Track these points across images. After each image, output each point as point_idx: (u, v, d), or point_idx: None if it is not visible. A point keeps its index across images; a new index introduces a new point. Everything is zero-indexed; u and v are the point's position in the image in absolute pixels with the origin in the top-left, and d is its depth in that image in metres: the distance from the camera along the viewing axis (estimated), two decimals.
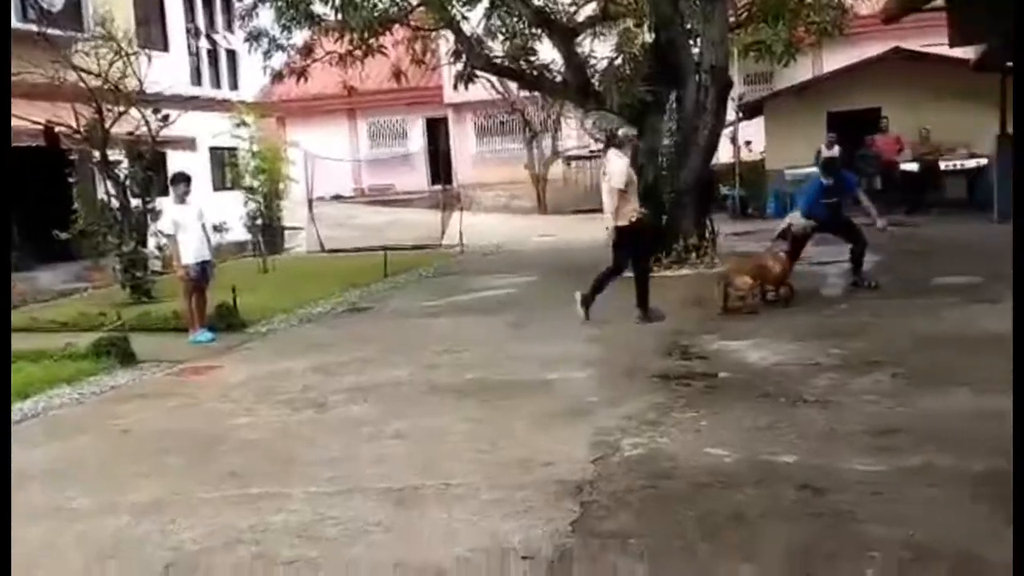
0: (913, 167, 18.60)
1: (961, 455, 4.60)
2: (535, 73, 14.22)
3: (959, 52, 19.55)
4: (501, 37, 14.58)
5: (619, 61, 13.28)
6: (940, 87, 18.83)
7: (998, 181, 16.05)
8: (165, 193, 12.52)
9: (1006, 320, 7.82)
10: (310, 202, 21.25)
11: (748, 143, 23.35)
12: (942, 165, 18.63)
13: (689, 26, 13.05)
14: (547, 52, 14.49)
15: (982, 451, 4.62)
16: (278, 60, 15.55)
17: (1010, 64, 16.86)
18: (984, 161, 18.42)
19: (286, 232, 21.87)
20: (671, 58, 12.48)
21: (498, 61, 14.37)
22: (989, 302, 8.53)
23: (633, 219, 8.88)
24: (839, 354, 6.95)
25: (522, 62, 14.25)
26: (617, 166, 8.97)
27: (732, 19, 14.38)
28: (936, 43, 18.62)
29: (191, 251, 9.81)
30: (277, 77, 16.14)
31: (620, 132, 9.67)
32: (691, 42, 12.84)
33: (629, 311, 9.53)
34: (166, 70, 17.33)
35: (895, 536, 3.72)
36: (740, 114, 21.86)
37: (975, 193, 18.88)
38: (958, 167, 18.69)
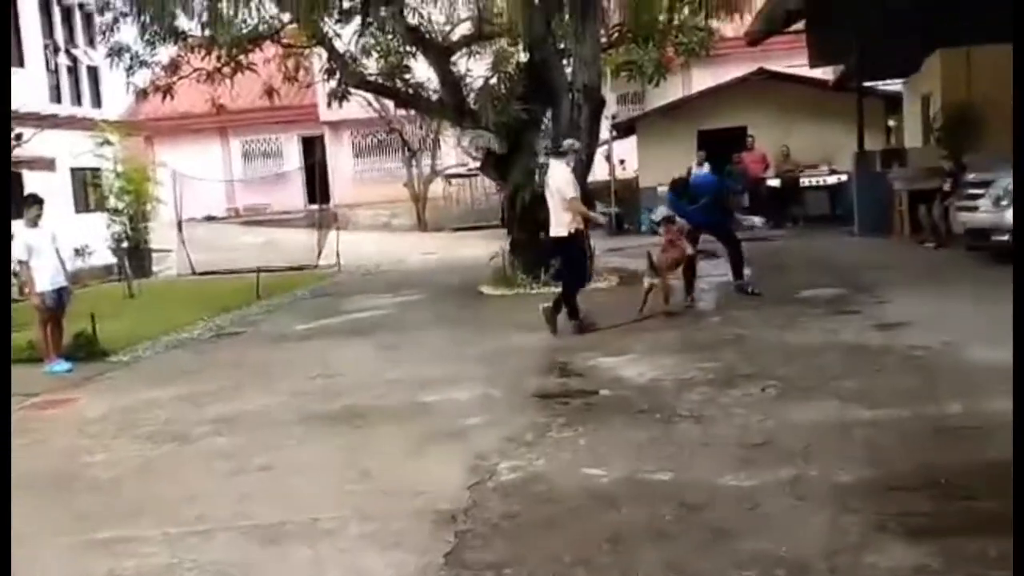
0: (777, 183, 19.30)
1: (829, 466, 4.67)
2: (410, 91, 14.10)
3: (820, 72, 20.56)
4: (375, 55, 14.41)
5: (494, 80, 13.28)
6: (802, 106, 19.63)
7: (856, 196, 16.80)
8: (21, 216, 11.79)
9: (869, 331, 8.16)
10: (179, 223, 20.47)
11: (622, 161, 23.79)
12: (804, 181, 19.38)
13: (562, 46, 13.18)
14: (423, 71, 14.39)
15: (850, 462, 4.70)
16: (142, 77, 14.97)
17: (865, 84, 17.78)
18: (844, 177, 19.22)
19: (154, 255, 20.99)
20: (545, 77, 12.55)
21: (372, 79, 14.19)
22: (852, 313, 8.84)
23: (573, 230, 8.98)
24: (712, 367, 7.03)
25: (397, 80, 14.11)
26: (564, 175, 9.04)
27: (604, 40, 14.60)
28: (799, 64, 19.46)
29: (46, 277, 9.26)
30: (141, 95, 15.50)
31: (565, 143, 9.73)
32: (564, 62, 12.94)
33: (505, 328, 9.50)
34: (21, 87, 16.44)
35: (769, 553, 3.72)
36: (614, 133, 22.23)
37: (836, 208, 19.71)
38: (820, 183, 19.48)
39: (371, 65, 14.18)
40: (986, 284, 9.77)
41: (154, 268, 20.71)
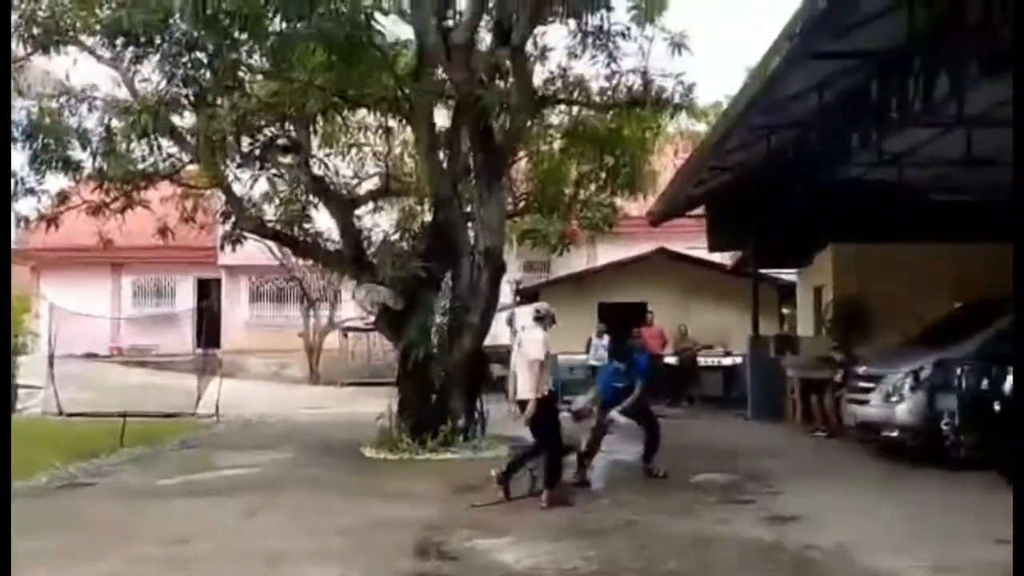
0: (675, 360, 19.36)
1: None
2: (309, 240, 13.76)
3: (719, 257, 21.13)
4: (277, 201, 14.14)
5: (396, 236, 13.09)
6: (701, 287, 20.03)
7: (750, 380, 16.89)
8: None
9: (762, 525, 7.81)
10: (51, 358, 19.23)
11: (523, 328, 23.64)
12: (700, 361, 19.48)
13: (468, 209, 13.13)
14: (325, 220, 14.13)
15: None
16: (28, 205, 14.32)
17: (761, 271, 18.26)
18: (739, 360, 19.41)
19: (21, 391, 19.57)
20: (448, 238, 12.40)
21: (271, 225, 13.83)
22: (746, 503, 8.50)
23: (545, 392, 8.75)
24: (597, 557, 6.52)
25: (296, 228, 13.79)
26: (537, 337, 8.88)
27: (510, 207, 14.69)
28: (700, 246, 19.95)
29: None
30: (25, 223, 14.79)
31: (542, 308, 9.57)
32: (468, 224, 12.84)
33: (382, 497, 8.86)
34: None
35: None
36: (518, 299, 22.23)
37: (731, 390, 19.82)
38: (715, 363, 19.61)
39: (270, 211, 13.87)
40: (876, 479, 9.62)
41: (19, 405, 19.25)
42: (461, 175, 12.70)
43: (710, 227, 17.70)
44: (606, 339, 19.44)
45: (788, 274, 20.22)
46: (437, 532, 7.42)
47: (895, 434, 10.35)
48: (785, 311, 21.47)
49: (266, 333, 27.94)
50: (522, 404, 8.80)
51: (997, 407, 8.14)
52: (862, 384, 11.15)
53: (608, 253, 23.90)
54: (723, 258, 21.45)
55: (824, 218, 15.30)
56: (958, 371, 8.95)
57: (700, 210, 17.62)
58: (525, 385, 8.67)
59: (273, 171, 13.31)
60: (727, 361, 19.52)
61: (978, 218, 14.22)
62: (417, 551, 6.87)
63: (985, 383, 8.86)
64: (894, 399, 10.42)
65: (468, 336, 12.09)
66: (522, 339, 9.09)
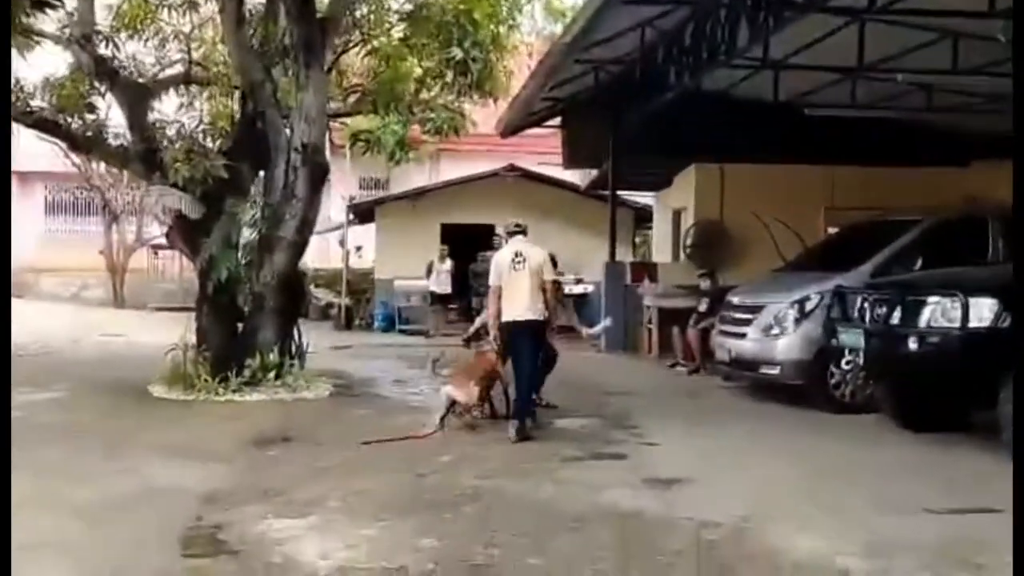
0: None
1: None
2: (88, 133, 11.19)
3: (574, 177, 19.63)
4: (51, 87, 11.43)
5: (196, 129, 10.75)
6: (553, 209, 18.44)
7: (605, 309, 15.51)
8: None
9: (642, 491, 6.25)
10: None
11: (359, 248, 21.63)
12: None
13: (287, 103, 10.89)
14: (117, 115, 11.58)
15: None
16: None
17: (617, 192, 16.84)
18: (590, 288, 18.11)
19: None
20: (258, 132, 10.20)
21: (39, 113, 11.13)
22: (616, 458, 6.99)
23: (545, 316, 8.01)
24: (433, 548, 4.79)
25: (74, 117, 11.17)
26: (543, 255, 8.00)
27: (339, 102, 12.53)
28: (554, 164, 18.37)
29: None
30: None
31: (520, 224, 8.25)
32: (286, 120, 10.62)
33: (158, 453, 6.85)
34: None
35: None
36: (352, 217, 20.10)
37: (582, 319, 18.53)
38: (567, 292, 18.16)
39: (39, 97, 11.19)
40: (760, 426, 8.32)
41: None
42: (276, 57, 10.46)
43: (566, 140, 16.11)
44: (449, 263, 17.74)
45: (645, 197, 18.97)
46: (220, 509, 5.49)
47: (774, 371, 9.10)
48: (638, 238, 20.29)
49: (65, 249, 24.60)
50: (530, 325, 7.80)
51: (913, 344, 6.87)
52: (736, 315, 9.84)
53: (452, 171, 22.01)
54: (577, 178, 20.04)
55: (688, 133, 13.93)
56: (859, 301, 7.65)
57: (557, 123, 16.05)
58: (534, 305, 7.77)
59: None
60: (579, 289, 18.12)
61: (853, 136, 13.22)
62: (183, 539, 4.93)
63: (898, 315, 7.58)
64: (775, 332, 9.16)
65: (282, 252, 10.00)
66: (525, 256, 7.84)
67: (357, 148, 14.32)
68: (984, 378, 6.59)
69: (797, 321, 8.99)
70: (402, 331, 18.12)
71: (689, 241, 14.78)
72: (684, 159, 15.07)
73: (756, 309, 9.47)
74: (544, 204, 18.59)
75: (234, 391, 9.64)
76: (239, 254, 10.23)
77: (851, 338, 7.64)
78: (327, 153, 10.87)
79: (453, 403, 8.02)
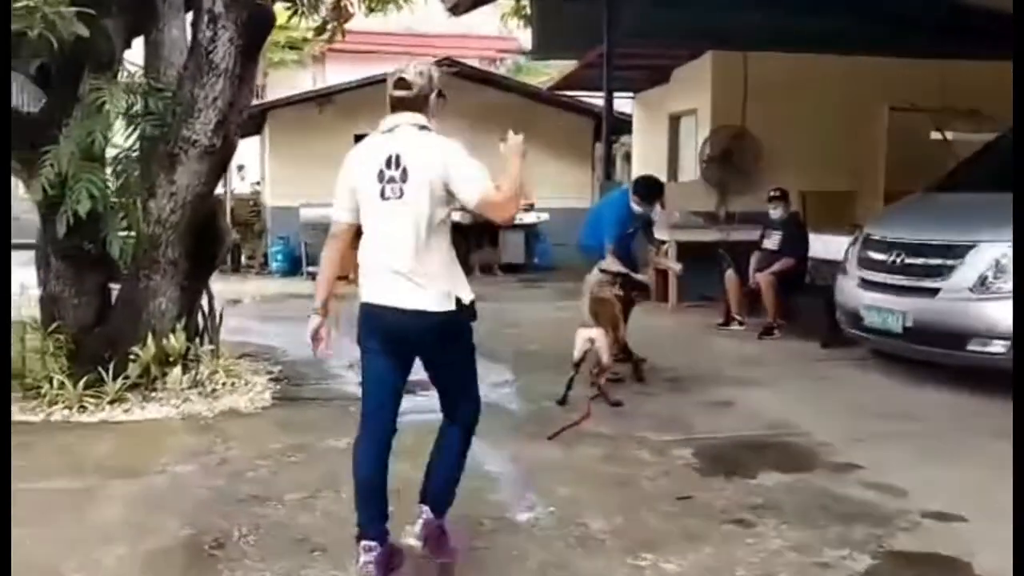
0: (456, 216, 14.17)
1: None
2: None
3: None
4: None
5: None
6: (498, 115, 14.57)
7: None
8: None
9: None
10: None
11: (240, 168, 17.31)
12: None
13: None
14: None
15: None
16: None
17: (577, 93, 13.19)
18: (545, 216, 14.67)
19: None
20: None
21: None
22: None
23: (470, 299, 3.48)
24: None
25: None
26: (444, 157, 3.26)
27: None
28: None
29: None
30: None
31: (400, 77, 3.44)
32: None
33: None
34: None
35: None
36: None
37: (533, 254, 15.12)
38: (517, 222, 14.60)
39: None
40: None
41: None
42: None
43: (538, 17, 12.32)
44: None
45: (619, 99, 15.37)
46: None
47: (999, 350, 5.83)
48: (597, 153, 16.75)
49: None
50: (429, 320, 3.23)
51: None
52: (904, 260, 6.49)
53: (339, 77, 17.60)
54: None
55: (698, 15, 10.48)
56: None
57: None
58: (439, 271, 3.27)
59: None
60: (529, 218, 14.58)
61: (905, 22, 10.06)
62: None
63: None
64: (998, 289, 5.88)
65: (190, 166, 5.89)
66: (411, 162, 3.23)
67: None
68: None
69: None
70: (311, 275, 14.05)
71: (707, 154, 11.37)
72: (693, 47, 11.57)
73: (954, 251, 6.16)
74: (488, 111, 14.82)
75: (113, 402, 5.70)
76: (109, 171, 6.13)
77: None
78: None
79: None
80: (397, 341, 3.21)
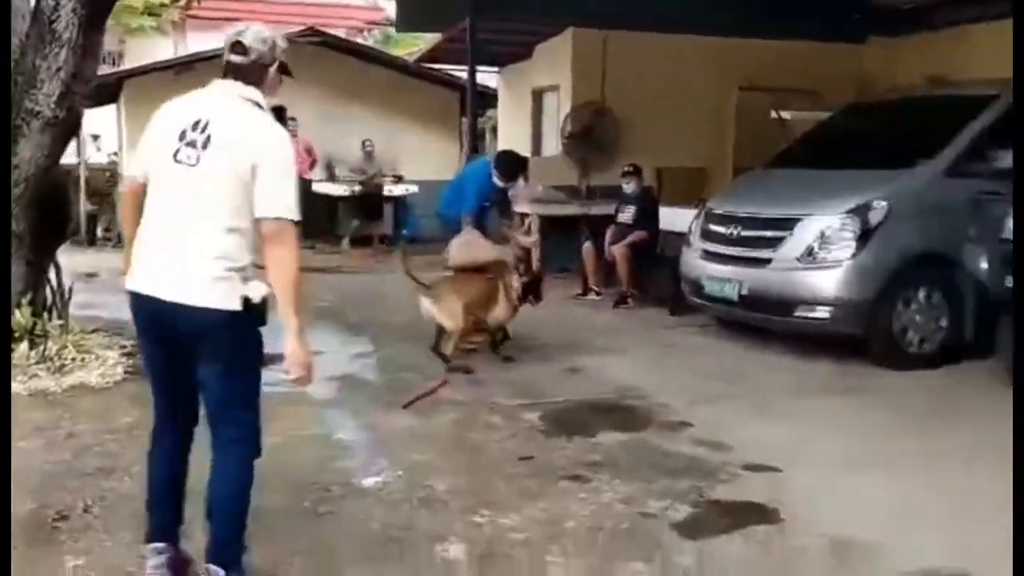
0: (338, 190, 14.09)
1: None
2: None
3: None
4: None
5: None
6: (367, 90, 14.72)
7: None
8: None
9: None
10: None
11: (96, 138, 16.66)
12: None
13: None
14: None
15: None
16: None
17: (447, 68, 13.29)
18: (414, 189, 14.67)
19: None
20: None
21: None
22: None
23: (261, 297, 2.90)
24: None
25: None
26: (263, 132, 2.90)
27: None
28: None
29: None
30: None
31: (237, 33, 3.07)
32: None
33: None
34: None
35: None
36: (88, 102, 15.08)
37: (401, 227, 15.10)
38: (387, 193, 14.61)
39: None
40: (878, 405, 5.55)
41: None
42: None
43: None
44: None
45: (484, 73, 15.51)
46: None
47: (822, 315, 6.31)
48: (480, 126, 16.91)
49: None
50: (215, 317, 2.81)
51: None
52: (742, 232, 6.91)
53: (201, 44, 17.16)
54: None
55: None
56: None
57: None
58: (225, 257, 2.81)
59: None
60: (398, 190, 14.60)
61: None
62: None
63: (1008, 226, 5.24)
64: (823, 258, 6.34)
65: (33, 138, 5.74)
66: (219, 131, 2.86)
67: None
68: None
69: (861, 241, 6.22)
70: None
71: (567, 129, 11.66)
72: (555, 23, 11.81)
73: (784, 223, 6.59)
74: (354, 84, 14.74)
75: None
76: None
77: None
78: None
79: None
80: (162, 340, 2.87)
